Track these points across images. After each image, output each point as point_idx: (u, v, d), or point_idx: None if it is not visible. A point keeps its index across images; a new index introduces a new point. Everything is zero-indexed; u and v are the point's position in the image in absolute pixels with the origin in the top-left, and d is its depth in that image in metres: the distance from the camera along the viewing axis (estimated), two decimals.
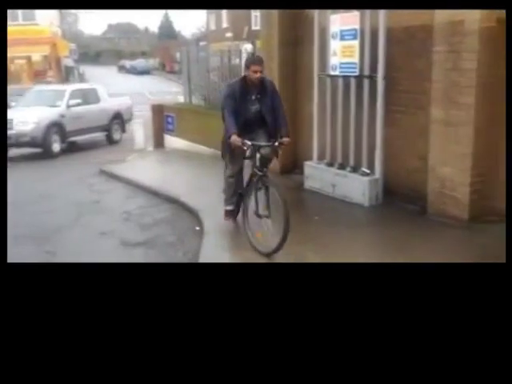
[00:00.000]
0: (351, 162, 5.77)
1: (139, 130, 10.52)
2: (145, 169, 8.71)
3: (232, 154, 4.58)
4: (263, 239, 4.20)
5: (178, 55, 18.51)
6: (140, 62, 46.86)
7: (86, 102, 11.28)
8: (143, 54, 53.98)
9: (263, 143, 4.28)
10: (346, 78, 5.75)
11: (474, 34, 4.48)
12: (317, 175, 6.10)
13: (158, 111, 10.22)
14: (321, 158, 6.22)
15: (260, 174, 4.20)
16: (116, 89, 20.18)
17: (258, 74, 4.34)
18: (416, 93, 5.25)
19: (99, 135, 11.87)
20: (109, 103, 12.08)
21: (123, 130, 12.34)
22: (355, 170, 5.70)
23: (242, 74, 4.55)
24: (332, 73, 5.90)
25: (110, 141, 12.00)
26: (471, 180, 4.55)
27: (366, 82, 5.53)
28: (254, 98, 4.43)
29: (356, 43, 5.52)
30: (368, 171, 5.56)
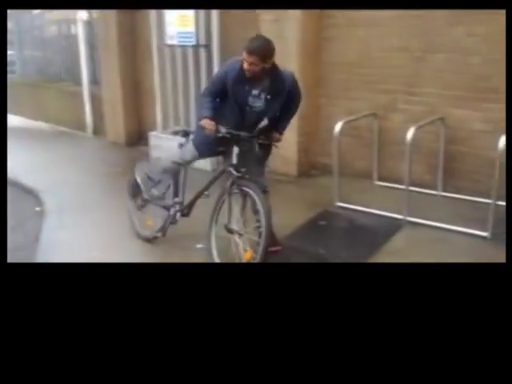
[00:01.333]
0: (193, 129, 5.92)
1: None
2: None
3: (203, 140, 3.41)
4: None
5: (9, 24, 16.65)
6: None
7: None
8: None
9: (243, 133, 3.21)
10: (183, 47, 5.83)
11: None
12: (162, 145, 6.15)
13: None
14: (165, 127, 6.28)
15: (236, 174, 3.21)
16: None
17: (252, 67, 3.07)
18: None
19: None
20: None
21: None
22: None
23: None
24: (170, 42, 5.93)
25: None
26: (298, 139, 5.03)
27: (203, 51, 5.69)
28: (257, 93, 3.20)
29: (191, 13, 5.60)
30: None
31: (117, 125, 6.89)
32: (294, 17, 4.90)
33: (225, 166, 3.41)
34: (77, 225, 4.45)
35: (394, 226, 4.04)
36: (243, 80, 3.16)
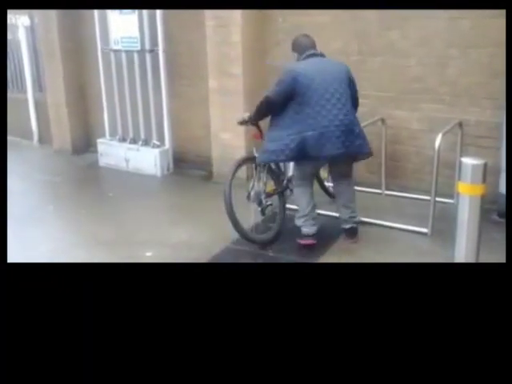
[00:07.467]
0: (142, 135, 5.89)
1: None
2: None
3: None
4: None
5: None
6: None
7: None
8: None
9: None
10: (128, 52, 5.76)
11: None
12: (110, 151, 6.07)
13: None
14: (113, 133, 6.19)
15: None
16: None
17: None
18: (196, 65, 5.53)
19: None
20: None
21: None
22: (147, 142, 5.84)
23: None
24: (115, 47, 5.84)
25: None
26: (246, 143, 5.06)
27: (149, 56, 5.63)
28: None
29: (135, 17, 5.54)
30: (158, 143, 5.75)
31: (63, 132, 6.71)
32: (236, 22, 4.93)
33: None
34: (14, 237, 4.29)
35: None
36: None
